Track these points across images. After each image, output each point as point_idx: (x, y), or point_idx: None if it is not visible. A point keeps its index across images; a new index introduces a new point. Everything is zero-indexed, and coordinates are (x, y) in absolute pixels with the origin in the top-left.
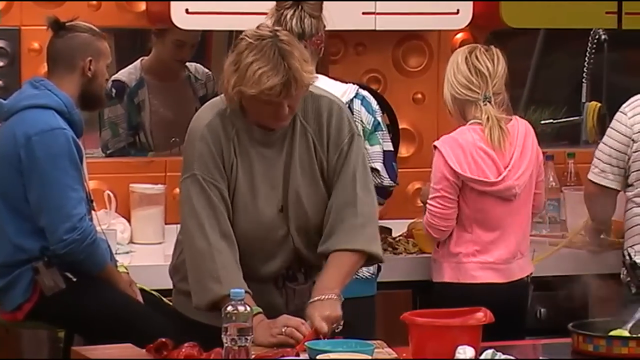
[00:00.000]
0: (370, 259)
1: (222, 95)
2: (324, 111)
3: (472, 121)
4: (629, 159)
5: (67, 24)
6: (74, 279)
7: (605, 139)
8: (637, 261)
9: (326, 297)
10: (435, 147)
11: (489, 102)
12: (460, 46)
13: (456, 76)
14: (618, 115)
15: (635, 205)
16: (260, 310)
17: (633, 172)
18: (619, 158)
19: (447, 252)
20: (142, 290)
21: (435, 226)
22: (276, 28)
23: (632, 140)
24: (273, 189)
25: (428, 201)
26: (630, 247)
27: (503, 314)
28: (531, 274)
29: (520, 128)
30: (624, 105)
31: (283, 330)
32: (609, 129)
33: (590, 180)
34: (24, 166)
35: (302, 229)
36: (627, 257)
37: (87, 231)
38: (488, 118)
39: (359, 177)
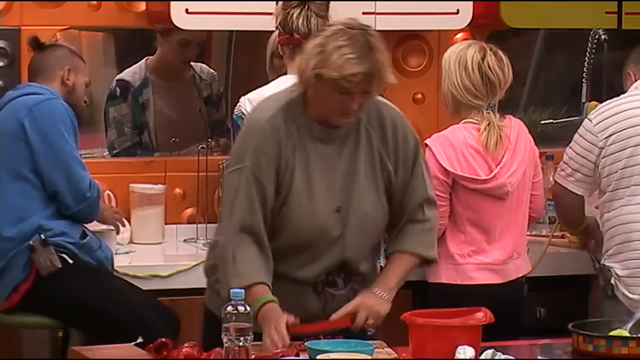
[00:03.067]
0: (425, 262)
1: (286, 88)
2: (387, 120)
3: (465, 120)
4: (595, 166)
5: (46, 43)
6: (71, 262)
7: (572, 143)
8: (606, 264)
9: (382, 293)
10: (426, 144)
11: (492, 110)
12: None
13: (463, 80)
14: (585, 121)
15: (606, 210)
16: (272, 299)
17: (603, 178)
18: (583, 164)
19: (443, 253)
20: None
21: None
22: (366, 24)
23: (598, 147)
24: (330, 189)
25: None
26: (604, 250)
27: (500, 313)
28: (528, 273)
29: (513, 127)
30: (592, 111)
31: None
32: (576, 134)
33: (557, 182)
34: (29, 134)
35: (358, 233)
36: (595, 262)
37: (97, 187)
38: (489, 124)
39: (427, 182)
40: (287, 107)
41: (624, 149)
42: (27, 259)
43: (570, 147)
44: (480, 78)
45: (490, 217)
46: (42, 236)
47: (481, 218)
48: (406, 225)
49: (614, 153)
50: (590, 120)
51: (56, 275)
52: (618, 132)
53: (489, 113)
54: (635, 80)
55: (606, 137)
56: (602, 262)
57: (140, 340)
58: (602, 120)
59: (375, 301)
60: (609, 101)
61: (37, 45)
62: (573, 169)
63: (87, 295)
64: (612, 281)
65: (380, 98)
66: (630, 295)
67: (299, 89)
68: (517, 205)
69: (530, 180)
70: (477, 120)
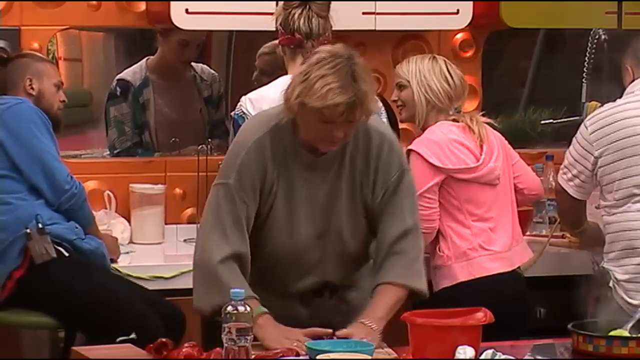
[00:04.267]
0: (414, 294)
1: (278, 107)
2: (374, 147)
3: (439, 122)
4: (593, 173)
5: (10, 56)
6: (67, 254)
7: (570, 147)
8: (606, 267)
9: (371, 325)
10: (410, 150)
11: (459, 111)
12: (460, 46)
13: (443, 86)
14: (581, 127)
15: (607, 214)
16: (266, 310)
17: (603, 185)
18: (581, 171)
19: (454, 254)
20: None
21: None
22: (352, 52)
23: (594, 156)
24: (312, 214)
25: None
26: (605, 254)
27: (514, 302)
28: (531, 261)
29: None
30: (589, 115)
31: (299, 340)
32: (574, 138)
33: (558, 182)
34: (1, 137)
35: (338, 257)
36: (594, 264)
37: (79, 183)
38: (471, 118)
39: (409, 212)
40: (276, 129)
41: (621, 159)
42: (22, 246)
43: (569, 151)
44: (460, 84)
45: (487, 205)
46: (40, 224)
47: (479, 208)
48: (388, 258)
49: (611, 163)
50: (586, 128)
51: (50, 265)
52: (614, 142)
53: (459, 112)
54: (634, 78)
55: (602, 147)
56: (601, 264)
57: (133, 335)
58: (597, 130)
59: (365, 331)
60: (604, 107)
61: (0, 61)
62: (573, 175)
63: (79, 289)
64: (611, 284)
65: (374, 118)
66: (630, 300)
67: (285, 116)
68: (506, 192)
69: (510, 165)
70: (450, 120)
